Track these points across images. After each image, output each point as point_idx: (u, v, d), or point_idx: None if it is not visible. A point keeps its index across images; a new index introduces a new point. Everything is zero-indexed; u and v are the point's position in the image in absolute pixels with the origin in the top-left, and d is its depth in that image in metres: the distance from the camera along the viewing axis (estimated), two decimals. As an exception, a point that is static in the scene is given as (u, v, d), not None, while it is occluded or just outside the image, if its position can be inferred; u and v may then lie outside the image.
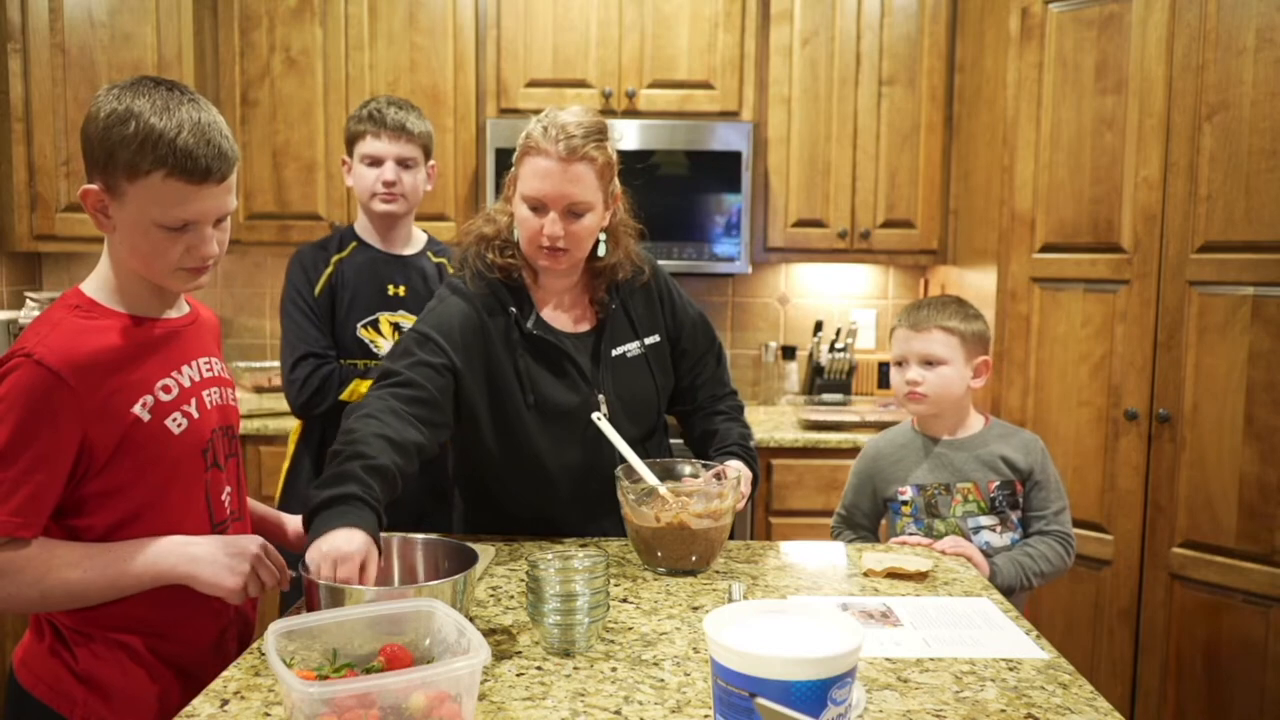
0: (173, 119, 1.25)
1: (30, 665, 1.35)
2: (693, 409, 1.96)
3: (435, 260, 2.35)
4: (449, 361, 1.68)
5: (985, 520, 1.91)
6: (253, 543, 1.36)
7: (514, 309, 1.74)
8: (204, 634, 1.41)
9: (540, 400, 1.74)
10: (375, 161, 2.23)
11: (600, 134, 1.68)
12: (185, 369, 1.38)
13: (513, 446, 1.76)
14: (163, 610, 1.34)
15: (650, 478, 1.71)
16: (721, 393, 1.97)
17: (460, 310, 1.73)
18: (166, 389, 1.34)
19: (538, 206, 1.67)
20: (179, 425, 1.35)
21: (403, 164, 2.24)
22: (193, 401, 1.38)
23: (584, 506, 1.82)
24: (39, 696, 1.32)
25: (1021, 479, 1.92)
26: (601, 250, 1.77)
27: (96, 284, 1.36)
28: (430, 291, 2.17)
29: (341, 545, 1.30)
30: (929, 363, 1.93)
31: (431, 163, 2.32)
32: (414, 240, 2.36)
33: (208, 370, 1.43)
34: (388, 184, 2.22)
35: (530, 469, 1.78)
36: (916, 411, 1.97)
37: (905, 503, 1.96)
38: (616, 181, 1.75)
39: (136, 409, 1.30)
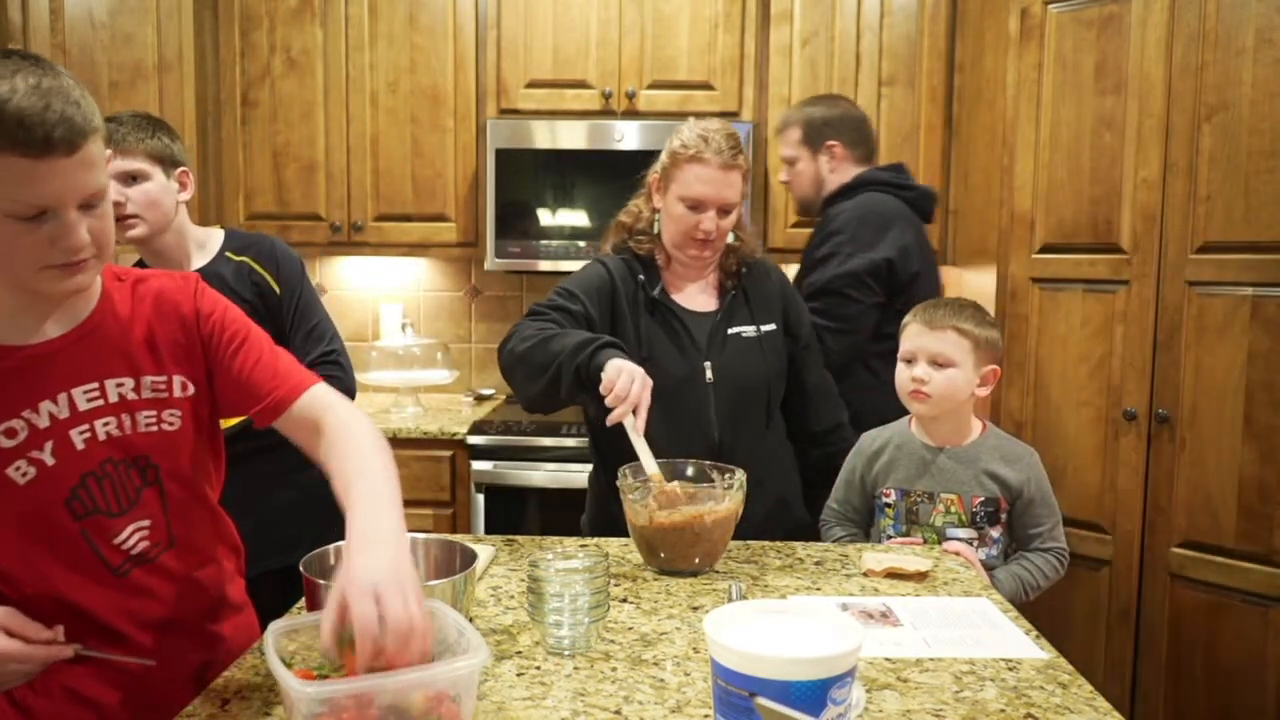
0: (3, 85, 1.05)
1: None
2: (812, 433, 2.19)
3: (236, 259, 2.06)
4: (585, 311, 1.98)
5: (963, 533, 1.89)
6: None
7: (642, 276, 2.03)
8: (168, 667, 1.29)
9: (652, 358, 1.97)
10: None
11: (736, 146, 1.98)
12: (45, 406, 1.17)
13: None
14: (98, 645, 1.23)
15: (653, 468, 1.72)
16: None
17: (596, 274, 2.04)
18: (10, 433, 1.15)
19: (696, 206, 1.95)
20: (23, 475, 1.16)
21: (128, 179, 1.95)
22: (47, 446, 1.17)
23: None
24: None
25: (1010, 497, 1.89)
26: (731, 238, 2.05)
27: None
28: (236, 295, 2.01)
29: (636, 368, 1.70)
30: (938, 363, 1.90)
31: (181, 168, 2.02)
32: (202, 248, 2.08)
33: (94, 398, 1.21)
34: (116, 205, 1.86)
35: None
36: (918, 411, 1.95)
37: (889, 505, 1.96)
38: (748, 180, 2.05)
39: None
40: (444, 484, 3.12)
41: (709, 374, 2.00)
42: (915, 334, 1.94)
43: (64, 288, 1.15)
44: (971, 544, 1.88)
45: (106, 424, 1.22)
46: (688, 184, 1.95)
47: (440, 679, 1.03)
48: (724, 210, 1.97)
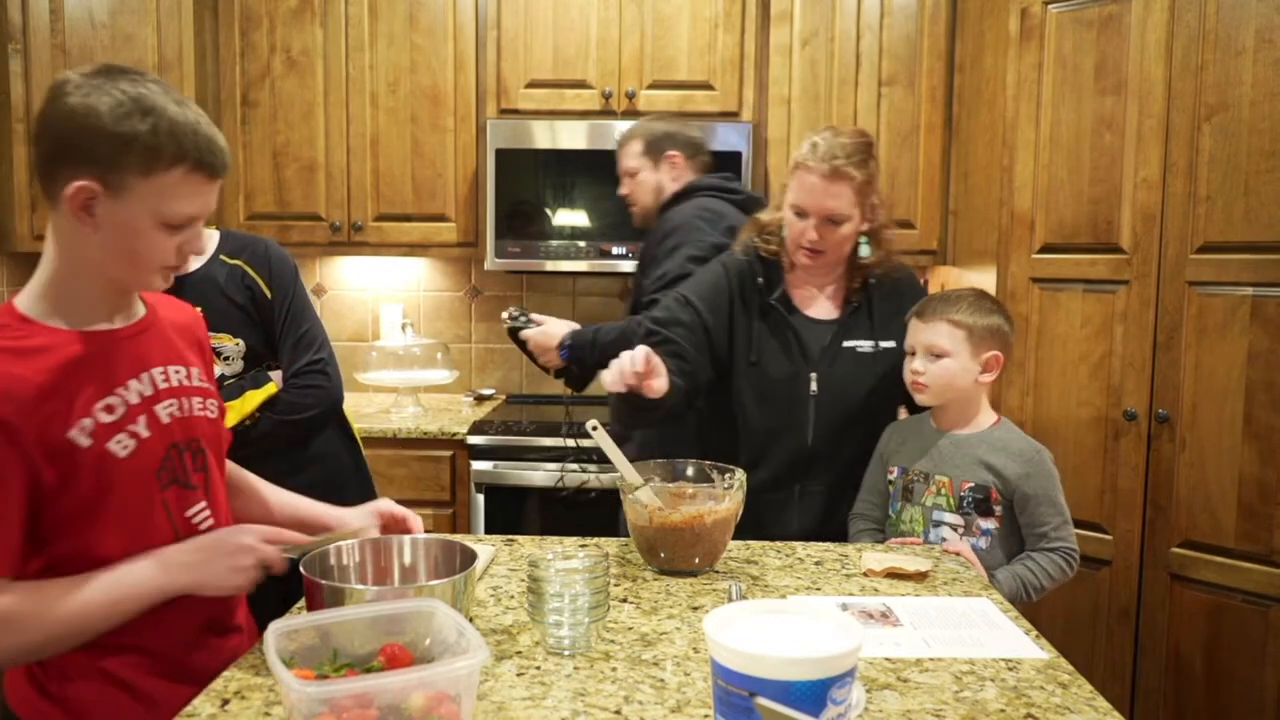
0: (189, 112, 1.22)
1: (15, 690, 1.32)
2: None
3: (230, 262, 2.05)
4: (701, 320, 2.02)
5: (949, 518, 1.91)
6: (246, 534, 1.33)
7: (761, 279, 2.06)
8: (184, 640, 1.36)
9: (760, 362, 2.03)
10: None
11: (862, 154, 1.95)
12: (133, 384, 1.29)
13: (724, 398, 2.06)
14: (137, 628, 1.29)
15: (635, 479, 1.71)
16: None
17: (714, 275, 2.09)
18: (109, 409, 1.26)
19: (800, 213, 1.97)
20: (124, 448, 1.26)
21: None
22: (140, 420, 1.29)
23: (771, 473, 2.03)
24: (23, 717, 1.31)
25: (1004, 490, 1.88)
26: (864, 251, 2.03)
27: (32, 297, 1.27)
28: (228, 299, 2.02)
29: (631, 352, 1.69)
30: (934, 354, 1.93)
31: None
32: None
33: (163, 381, 1.34)
34: None
35: (732, 423, 2.06)
36: (921, 401, 1.99)
37: (891, 482, 1.99)
38: (879, 193, 2.02)
39: (74, 434, 1.22)
40: (444, 484, 3.12)
41: (814, 385, 2.02)
42: (912, 328, 1.98)
43: (162, 285, 1.31)
44: (957, 530, 1.89)
45: (173, 405, 1.34)
46: (794, 190, 1.98)
47: (440, 679, 1.03)
48: (829, 220, 1.96)
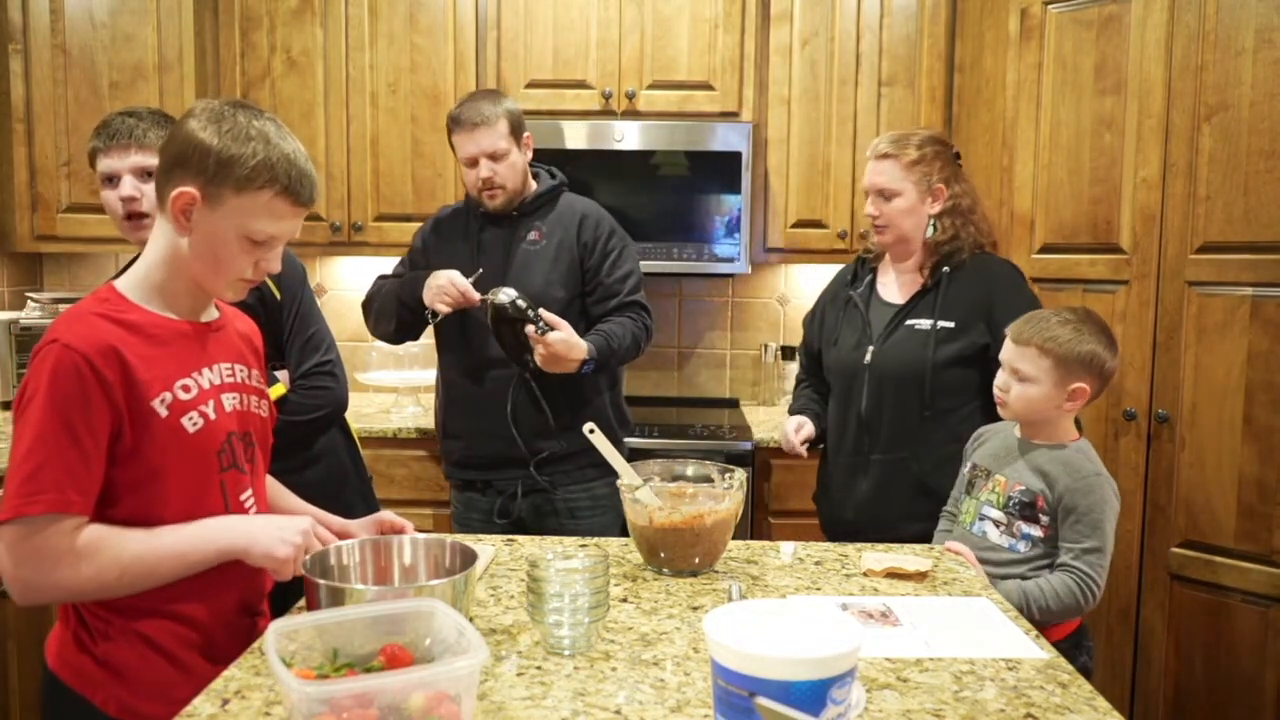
0: (289, 145, 1.38)
1: (58, 652, 1.42)
2: None
3: None
4: (817, 319, 2.45)
5: (993, 514, 1.91)
6: (303, 520, 1.43)
7: (850, 276, 2.41)
8: (219, 616, 1.44)
9: (838, 340, 2.34)
10: (112, 180, 1.94)
11: (904, 140, 2.25)
12: (206, 371, 1.43)
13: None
14: (177, 596, 1.38)
15: (635, 479, 1.72)
16: None
17: (826, 289, 2.48)
18: (186, 388, 1.39)
19: (867, 194, 2.29)
20: (194, 424, 1.39)
21: (145, 175, 1.92)
22: (210, 403, 1.42)
23: (843, 441, 2.31)
24: (66, 681, 1.39)
25: (1049, 499, 1.86)
26: (929, 231, 2.24)
27: (130, 281, 1.42)
28: (237, 301, 1.83)
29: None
30: (1019, 376, 1.90)
31: None
32: None
33: (229, 376, 1.48)
34: (126, 200, 1.93)
35: (826, 397, 2.40)
36: (1001, 414, 1.98)
37: (964, 475, 2.03)
38: (936, 176, 2.23)
39: (155, 404, 1.35)
40: (444, 484, 3.11)
41: (868, 356, 2.25)
42: (1006, 345, 1.95)
43: (233, 297, 1.46)
44: (998, 527, 1.90)
45: (236, 398, 1.48)
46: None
47: (440, 679, 1.03)
48: (881, 194, 2.25)
